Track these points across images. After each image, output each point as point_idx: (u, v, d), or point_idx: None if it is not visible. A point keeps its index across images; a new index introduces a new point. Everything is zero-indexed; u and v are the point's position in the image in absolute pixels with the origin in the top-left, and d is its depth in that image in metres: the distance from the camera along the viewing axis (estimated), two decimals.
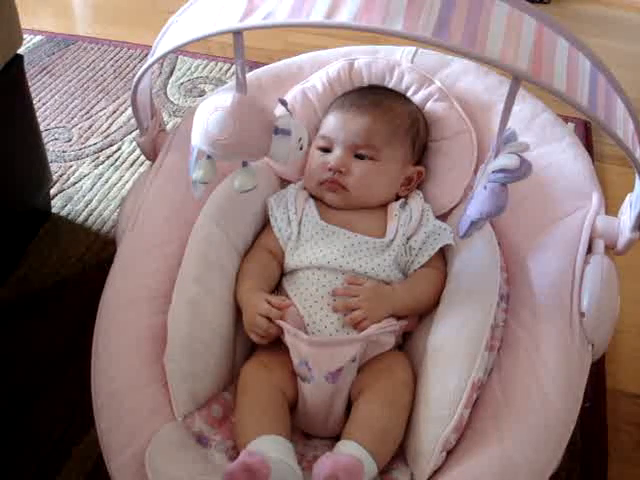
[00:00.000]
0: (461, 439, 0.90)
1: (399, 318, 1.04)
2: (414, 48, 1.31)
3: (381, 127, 1.13)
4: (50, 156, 1.71)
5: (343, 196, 1.13)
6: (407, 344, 1.07)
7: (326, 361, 0.93)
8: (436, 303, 1.04)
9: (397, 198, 1.17)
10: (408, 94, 1.23)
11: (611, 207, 1.08)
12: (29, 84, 1.41)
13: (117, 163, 1.76)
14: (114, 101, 2.01)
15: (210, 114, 0.84)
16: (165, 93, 2.05)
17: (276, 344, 1.01)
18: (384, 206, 1.15)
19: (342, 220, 1.11)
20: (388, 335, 0.99)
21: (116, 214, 1.55)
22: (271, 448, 0.84)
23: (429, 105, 1.22)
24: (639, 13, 2.97)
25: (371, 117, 1.14)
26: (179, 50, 2.12)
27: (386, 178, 1.14)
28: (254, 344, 1.06)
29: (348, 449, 0.86)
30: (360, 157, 1.13)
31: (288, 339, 0.96)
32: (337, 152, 1.13)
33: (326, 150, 1.16)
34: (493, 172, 0.82)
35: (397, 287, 1.06)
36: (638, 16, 2.96)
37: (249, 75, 1.27)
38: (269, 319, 0.98)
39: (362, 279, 1.04)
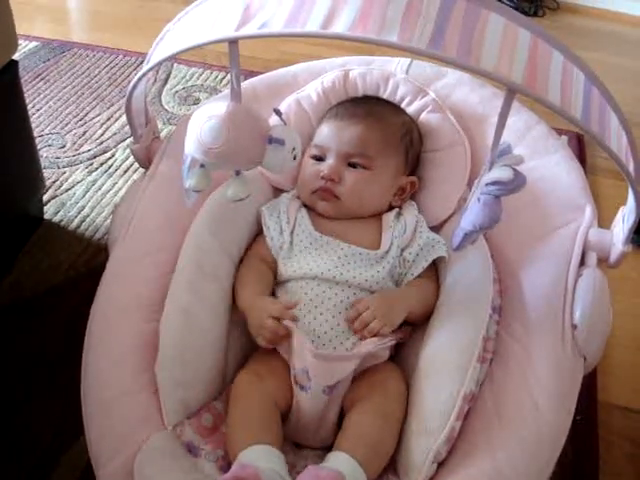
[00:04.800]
0: (452, 451, 0.90)
1: (393, 331, 1.03)
2: (409, 59, 1.31)
3: (374, 136, 1.13)
4: (43, 162, 1.71)
5: (335, 205, 1.13)
6: (399, 355, 1.06)
7: (325, 375, 0.93)
8: (429, 314, 1.04)
9: (390, 208, 1.17)
10: (402, 105, 1.24)
11: (604, 220, 1.08)
12: (23, 90, 1.40)
13: (110, 170, 1.76)
14: (108, 108, 2.01)
15: (204, 122, 0.84)
16: (160, 101, 2.06)
17: (271, 354, 1.00)
18: (378, 216, 1.15)
19: (336, 230, 1.11)
20: (384, 349, 0.99)
21: (109, 221, 1.54)
22: (262, 458, 0.84)
23: (423, 116, 1.22)
24: (633, 27, 3.00)
25: (364, 126, 1.14)
26: (174, 58, 2.13)
27: (379, 187, 1.14)
28: (247, 353, 1.05)
29: (339, 460, 0.86)
30: (353, 166, 1.13)
31: (295, 344, 0.95)
32: (330, 161, 1.13)
33: (319, 159, 1.16)
34: (487, 184, 0.82)
35: (403, 289, 1.06)
36: (632, 30, 2.98)
37: (244, 84, 1.27)
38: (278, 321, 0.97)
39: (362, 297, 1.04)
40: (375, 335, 0.98)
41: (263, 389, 0.95)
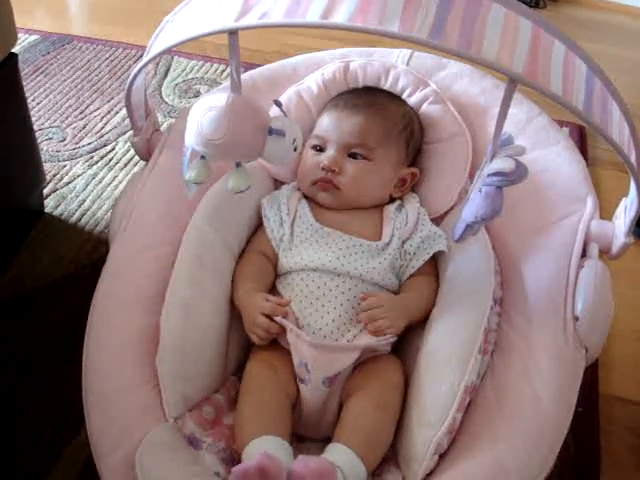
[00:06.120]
0: (453, 442, 0.90)
1: None
2: (410, 50, 1.31)
3: (375, 127, 1.13)
4: (44, 156, 1.71)
5: (336, 196, 1.13)
6: (400, 347, 1.06)
7: (325, 365, 0.93)
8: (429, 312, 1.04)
9: (391, 200, 1.17)
10: (403, 96, 1.23)
11: (605, 211, 1.08)
12: (23, 83, 1.40)
13: (111, 163, 1.75)
14: (109, 101, 2.00)
15: (204, 114, 0.83)
16: (160, 94, 2.05)
17: (276, 344, 1.01)
18: (379, 208, 1.15)
19: (336, 221, 1.11)
20: (385, 344, 0.99)
21: (109, 214, 1.54)
22: (274, 449, 0.83)
23: (424, 107, 1.22)
24: (634, 18, 2.99)
25: (365, 117, 1.14)
26: (174, 50, 2.12)
27: (379, 178, 1.14)
28: (248, 346, 1.05)
29: (336, 452, 0.86)
30: (353, 157, 1.13)
31: (290, 338, 0.95)
32: (330, 151, 1.13)
33: (320, 149, 1.16)
34: (489, 175, 0.82)
35: (408, 297, 1.05)
36: (633, 21, 2.97)
37: (244, 76, 1.26)
38: (270, 318, 0.97)
39: (375, 292, 1.04)
40: (379, 332, 0.98)
41: (275, 379, 0.96)
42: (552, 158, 1.15)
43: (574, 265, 1.00)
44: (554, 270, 1.01)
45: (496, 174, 0.81)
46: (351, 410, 0.93)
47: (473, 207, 0.85)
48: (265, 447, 0.83)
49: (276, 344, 1.00)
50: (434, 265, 1.11)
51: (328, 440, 0.92)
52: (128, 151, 1.78)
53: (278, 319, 0.97)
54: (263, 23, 0.74)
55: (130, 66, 2.18)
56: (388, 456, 0.93)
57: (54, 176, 1.69)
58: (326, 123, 1.17)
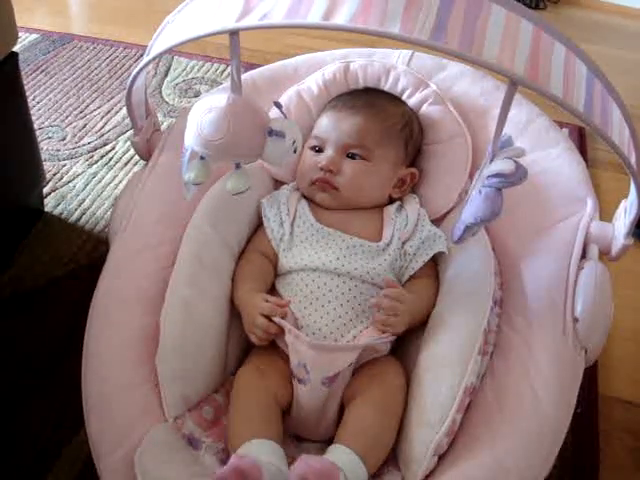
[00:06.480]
0: (453, 443, 0.90)
1: None
2: (410, 51, 1.31)
3: (373, 127, 1.13)
4: (44, 155, 1.71)
5: (334, 196, 1.13)
6: (400, 348, 1.06)
7: (325, 366, 0.93)
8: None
9: (391, 200, 1.17)
10: (403, 97, 1.23)
11: (605, 213, 1.08)
12: (24, 82, 1.40)
13: (111, 162, 1.75)
14: (109, 100, 2.00)
15: (204, 115, 0.83)
16: (160, 93, 2.05)
17: (272, 348, 1.01)
18: (379, 209, 1.15)
19: (337, 222, 1.11)
20: (384, 343, 0.99)
21: (109, 214, 1.54)
22: (261, 451, 0.84)
23: (424, 108, 1.22)
24: (634, 20, 2.99)
25: (363, 117, 1.14)
26: (175, 50, 2.12)
27: (377, 179, 1.14)
28: (248, 346, 1.05)
29: (338, 453, 0.86)
30: (352, 157, 1.13)
31: (289, 339, 0.95)
32: (329, 152, 1.13)
33: (318, 150, 1.16)
34: (488, 177, 0.82)
35: (411, 299, 1.04)
36: (634, 23, 2.97)
37: (244, 76, 1.26)
38: (269, 319, 0.97)
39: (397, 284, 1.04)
40: (385, 327, 0.98)
41: (264, 384, 0.95)
42: (552, 159, 1.15)
43: (574, 266, 1.00)
44: (554, 271, 1.01)
45: (496, 175, 0.81)
46: (353, 413, 0.93)
47: (472, 208, 0.85)
48: (255, 450, 0.84)
49: (274, 346, 1.01)
50: (434, 266, 1.11)
51: (328, 442, 0.92)
52: (128, 150, 1.78)
53: (277, 320, 0.97)
54: (264, 24, 0.74)
55: (130, 66, 2.18)
56: (388, 457, 0.92)
57: (54, 175, 1.69)
58: (325, 124, 1.17)
